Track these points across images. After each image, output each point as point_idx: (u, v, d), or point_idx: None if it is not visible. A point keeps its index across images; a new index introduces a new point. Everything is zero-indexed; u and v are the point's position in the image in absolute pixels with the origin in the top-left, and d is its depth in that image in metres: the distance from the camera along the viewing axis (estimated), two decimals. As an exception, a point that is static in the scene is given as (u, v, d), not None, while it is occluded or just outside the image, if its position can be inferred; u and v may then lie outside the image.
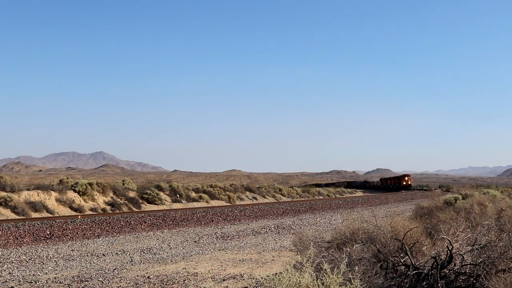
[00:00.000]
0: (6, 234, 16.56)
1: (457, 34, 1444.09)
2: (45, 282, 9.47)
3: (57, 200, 26.45)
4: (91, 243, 16.42)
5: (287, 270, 5.33)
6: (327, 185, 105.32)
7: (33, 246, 15.67)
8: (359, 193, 72.88)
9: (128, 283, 9.14)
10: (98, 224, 19.93)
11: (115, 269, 10.85)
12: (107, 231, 19.23)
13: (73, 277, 9.95)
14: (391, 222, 7.89)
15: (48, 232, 17.60)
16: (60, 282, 9.38)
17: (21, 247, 15.43)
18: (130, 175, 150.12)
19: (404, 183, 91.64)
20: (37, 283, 9.40)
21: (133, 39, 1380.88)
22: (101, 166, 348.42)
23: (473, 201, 14.54)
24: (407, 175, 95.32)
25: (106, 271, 10.60)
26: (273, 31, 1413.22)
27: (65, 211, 25.74)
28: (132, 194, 32.05)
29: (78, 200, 27.56)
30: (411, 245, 6.93)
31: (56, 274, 10.43)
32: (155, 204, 32.04)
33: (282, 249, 13.69)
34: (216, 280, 9.19)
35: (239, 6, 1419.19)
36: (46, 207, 25.00)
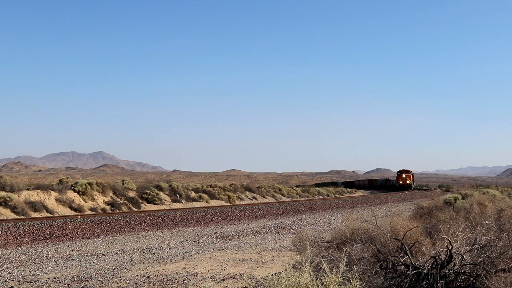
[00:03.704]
0: (6, 234, 16.56)
1: (457, 34, 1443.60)
2: (45, 282, 9.47)
3: (57, 200, 26.45)
4: (91, 243, 16.42)
5: (286, 270, 5.33)
6: (344, 183, 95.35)
7: (32, 246, 15.66)
8: (359, 193, 72.87)
9: (128, 283, 9.14)
10: (98, 224, 19.93)
11: (114, 269, 10.85)
12: (106, 231, 19.23)
13: (72, 277, 9.95)
14: (390, 222, 7.90)
15: (48, 232, 17.60)
16: (60, 282, 9.39)
17: (20, 247, 15.43)
18: (129, 175, 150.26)
19: (401, 181, 72.07)
20: (37, 283, 9.40)
21: (133, 39, 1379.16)
22: (100, 166, 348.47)
23: (472, 201, 14.53)
24: (406, 171, 74.33)
25: (106, 271, 10.60)
26: (273, 31, 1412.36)
27: (65, 211, 25.74)
28: (131, 194, 32.04)
29: (77, 200, 27.56)
30: (410, 245, 6.93)
31: (55, 274, 10.43)
32: (155, 204, 32.04)
33: (282, 249, 13.69)
34: (216, 280, 9.19)
35: (239, 6, 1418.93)
36: (46, 207, 25.00)
